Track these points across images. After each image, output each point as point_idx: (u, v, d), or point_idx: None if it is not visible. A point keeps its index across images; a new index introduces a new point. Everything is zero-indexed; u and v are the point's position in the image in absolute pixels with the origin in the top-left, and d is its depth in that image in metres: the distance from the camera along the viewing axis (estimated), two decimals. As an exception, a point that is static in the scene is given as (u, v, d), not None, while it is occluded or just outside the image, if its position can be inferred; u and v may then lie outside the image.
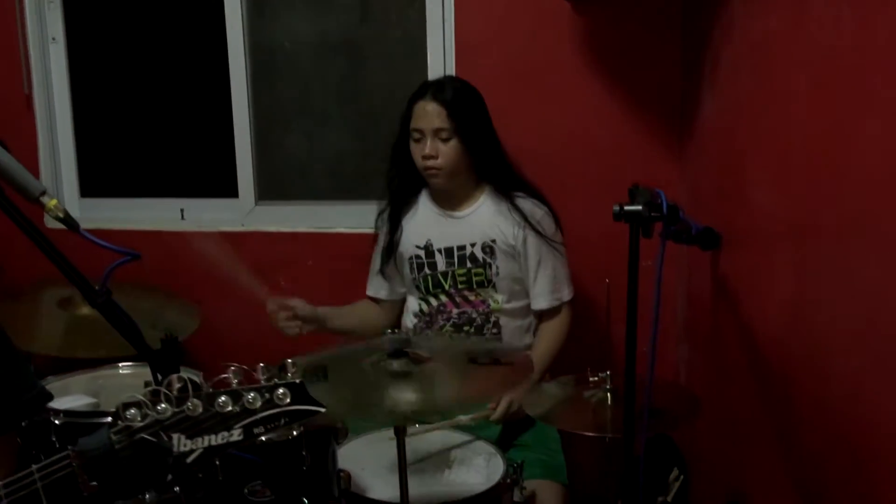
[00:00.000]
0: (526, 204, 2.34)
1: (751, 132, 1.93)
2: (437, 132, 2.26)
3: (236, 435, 1.10)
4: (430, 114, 2.26)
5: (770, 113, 1.80)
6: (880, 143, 1.28)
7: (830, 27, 1.47)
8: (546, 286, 2.34)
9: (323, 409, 1.15)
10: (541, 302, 2.35)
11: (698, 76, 2.35)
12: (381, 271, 2.47)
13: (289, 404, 1.11)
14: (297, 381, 1.13)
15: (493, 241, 2.32)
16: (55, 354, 2.34)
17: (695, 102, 2.41)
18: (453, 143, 2.26)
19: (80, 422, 1.92)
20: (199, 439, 1.09)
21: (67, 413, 1.94)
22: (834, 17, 1.45)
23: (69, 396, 2.13)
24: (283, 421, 1.12)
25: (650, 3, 2.55)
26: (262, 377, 1.14)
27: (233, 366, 1.13)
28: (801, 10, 1.60)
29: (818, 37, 1.53)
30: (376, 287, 2.53)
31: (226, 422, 1.10)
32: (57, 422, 1.90)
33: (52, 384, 2.20)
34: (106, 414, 1.96)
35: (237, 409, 1.10)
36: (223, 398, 1.10)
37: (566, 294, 2.37)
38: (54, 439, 1.88)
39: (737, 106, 2.05)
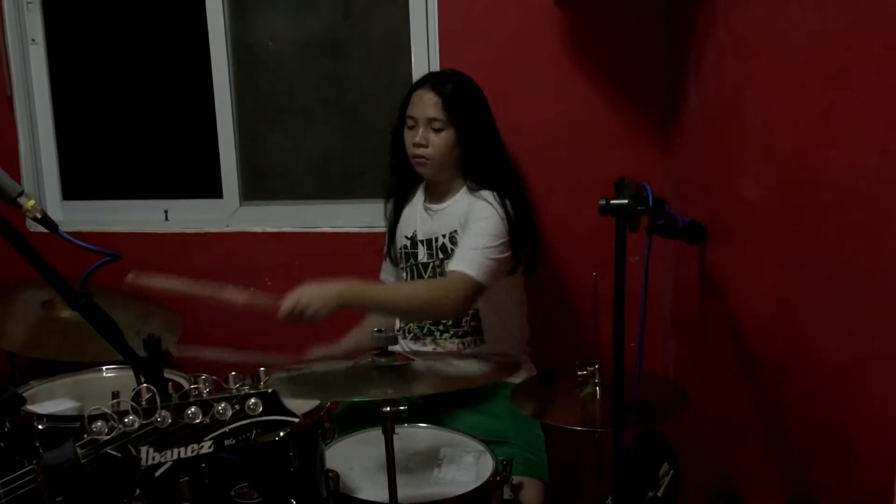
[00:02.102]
0: (483, 193, 2.29)
1: (736, 125, 1.93)
2: (430, 121, 2.27)
3: (206, 447, 1.08)
4: (425, 103, 2.28)
5: (755, 105, 1.79)
6: (865, 134, 1.28)
7: (814, 18, 1.47)
8: (457, 253, 2.23)
9: (297, 419, 1.12)
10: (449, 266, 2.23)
11: (682, 69, 2.35)
12: (387, 256, 2.54)
13: (260, 414, 1.09)
14: (269, 390, 1.11)
15: (455, 231, 2.34)
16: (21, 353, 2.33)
17: (679, 95, 2.40)
18: (445, 134, 2.27)
19: (63, 426, 1.90)
20: (168, 452, 1.06)
21: (51, 417, 1.92)
22: (818, 8, 1.45)
23: (53, 401, 2.10)
24: (254, 432, 1.09)
25: (633, -3, 2.55)
26: (233, 386, 1.11)
27: (203, 375, 1.11)
28: (785, 1, 1.60)
29: (802, 27, 1.52)
30: (386, 273, 2.59)
31: (196, 434, 1.07)
32: (40, 426, 1.87)
33: (36, 388, 2.18)
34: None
35: (207, 420, 1.07)
36: (192, 409, 1.07)
37: (466, 266, 2.15)
38: (38, 444, 1.86)
39: (721, 98, 2.05)
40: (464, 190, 2.37)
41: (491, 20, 2.64)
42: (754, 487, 1.90)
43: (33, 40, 3.04)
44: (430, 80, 2.33)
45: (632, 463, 1.78)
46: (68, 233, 1.51)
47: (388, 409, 1.68)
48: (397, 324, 2.44)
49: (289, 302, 1.96)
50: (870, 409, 1.29)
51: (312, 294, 1.98)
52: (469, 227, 2.26)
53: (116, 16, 3.09)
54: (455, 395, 2.33)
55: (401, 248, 2.44)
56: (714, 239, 2.05)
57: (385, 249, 2.56)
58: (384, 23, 2.85)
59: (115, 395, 1.10)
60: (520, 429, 2.20)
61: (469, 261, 2.16)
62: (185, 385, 2.10)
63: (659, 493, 2.09)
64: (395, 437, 1.70)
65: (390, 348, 1.86)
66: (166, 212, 3.06)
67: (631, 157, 2.59)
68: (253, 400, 1.09)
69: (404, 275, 2.45)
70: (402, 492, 1.73)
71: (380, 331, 1.79)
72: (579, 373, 1.97)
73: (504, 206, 2.26)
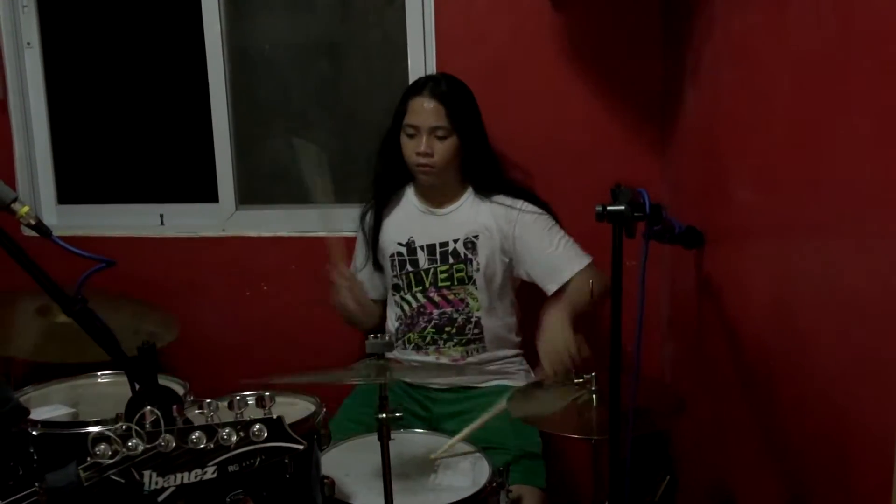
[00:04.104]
0: (507, 200, 2.34)
1: (733, 130, 1.93)
2: (433, 130, 2.25)
3: (210, 472, 1.07)
4: (428, 111, 2.25)
5: (752, 110, 1.79)
6: (862, 139, 1.27)
7: (812, 23, 1.46)
8: (553, 267, 2.29)
9: (301, 446, 1.12)
10: (553, 285, 2.28)
11: (680, 73, 2.35)
12: (371, 267, 2.45)
13: (265, 440, 1.09)
14: (275, 416, 1.10)
15: (476, 236, 2.32)
16: (31, 359, 2.31)
17: (676, 100, 2.40)
18: (449, 141, 2.26)
19: (58, 432, 1.89)
20: (172, 477, 1.06)
21: (45, 424, 1.91)
22: (815, 12, 1.45)
23: (47, 406, 2.09)
24: (258, 459, 1.09)
25: (630, 0, 2.54)
26: (238, 411, 1.11)
27: (208, 400, 1.10)
28: (782, 5, 1.60)
29: (800, 32, 1.52)
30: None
31: (199, 459, 1.07)
32: (35, 433, 1.86)
33: (31, 394, 2.17)
34: (84, 424, 1.93)
35: (211, 445, 1.07)
36: (197, 434, 1.07)
37: (580, 263, 2.29)
38: (32, 451, 1.85)
39: (718, 103, 2.04)
40: (469, 195, 2.37)
41: (487, 23, 2.64)
42: (751, 493, 1.90)
43: (28, 44, 3.04)
44: (427, 86, 2.28)
45: (629, 468, 1.77)
46: (63, 237, 1.51)
47: (384, 415, 1.67)
48: (395, 333, 2.42)
49: (557, 365, 2.05)
50: (866, 414, 1.29)
51: (561, 342, 2.05)
52: (538, 236, 2.31)
53: (112, 19, 3.08)
54: (453, 402, 2.33)
55: (392, 256, 2.39)
56: (711, 244, 2.05)
57: (364, 261, 2.47)
58: (381, 26, 2.85)
59: (119, 417, 1.09)
60: (517, 435, 2.19)
61: (578, 257, 2.29)
62: (181, 391, 2.09)
63: (656, 499, 2.09)
64: (390, 442, 1.69)
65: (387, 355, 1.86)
66: (162, 216, 3.05)
67: (627, 162, 2.58)
68: (258, 426, 1.09)
69: (398, 282, 2.39)
70: (398, 498, 1.72)
71: (375, 336, 1.78)
72: (576, 380, 1.97)
73: (537, 199, 2.38)
